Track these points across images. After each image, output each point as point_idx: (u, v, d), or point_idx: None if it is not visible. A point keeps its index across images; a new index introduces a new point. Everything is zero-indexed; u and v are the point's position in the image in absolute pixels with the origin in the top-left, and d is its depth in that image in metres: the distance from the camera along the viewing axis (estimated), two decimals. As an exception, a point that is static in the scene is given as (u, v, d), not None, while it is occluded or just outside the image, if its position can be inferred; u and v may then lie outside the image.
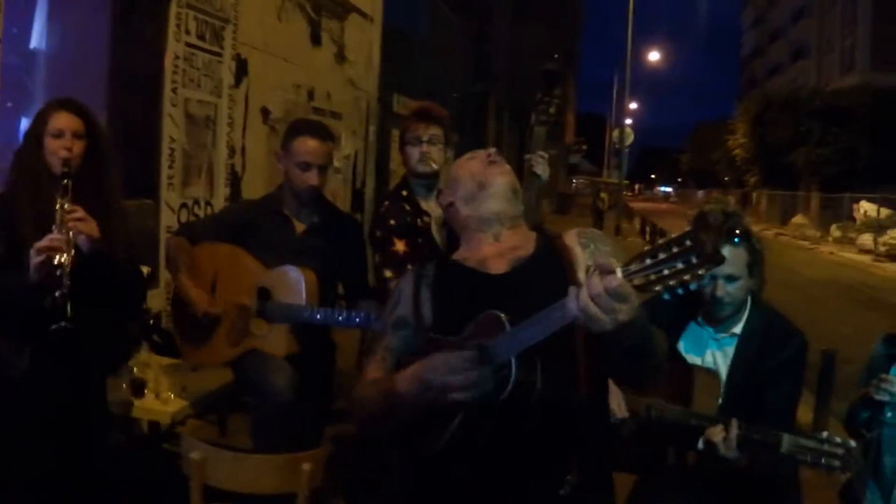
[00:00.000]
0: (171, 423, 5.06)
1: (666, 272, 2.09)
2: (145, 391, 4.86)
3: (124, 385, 4.83)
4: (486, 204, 2.97)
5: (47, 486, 4.07)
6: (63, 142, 4.02)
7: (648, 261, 2.13)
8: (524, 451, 2.67)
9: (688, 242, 2.05)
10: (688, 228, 2.12)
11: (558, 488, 2.70)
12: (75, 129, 4.07)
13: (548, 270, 2.84)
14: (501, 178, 2.99)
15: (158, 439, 5.40)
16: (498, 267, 2.90)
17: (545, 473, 2.70)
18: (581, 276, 2.77)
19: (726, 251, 3.77)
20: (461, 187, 3.03)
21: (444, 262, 3.10)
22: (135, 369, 4.97)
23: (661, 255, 2.10)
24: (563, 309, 2.33)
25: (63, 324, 3.78)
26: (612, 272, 2.20)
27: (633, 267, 2.16)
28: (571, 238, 2.96)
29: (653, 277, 2.12)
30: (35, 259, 3.75)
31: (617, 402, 3.69)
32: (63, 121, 4.07)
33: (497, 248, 2.95)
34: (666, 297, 4.11)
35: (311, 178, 4.76)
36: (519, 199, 3.07)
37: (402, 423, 2.80)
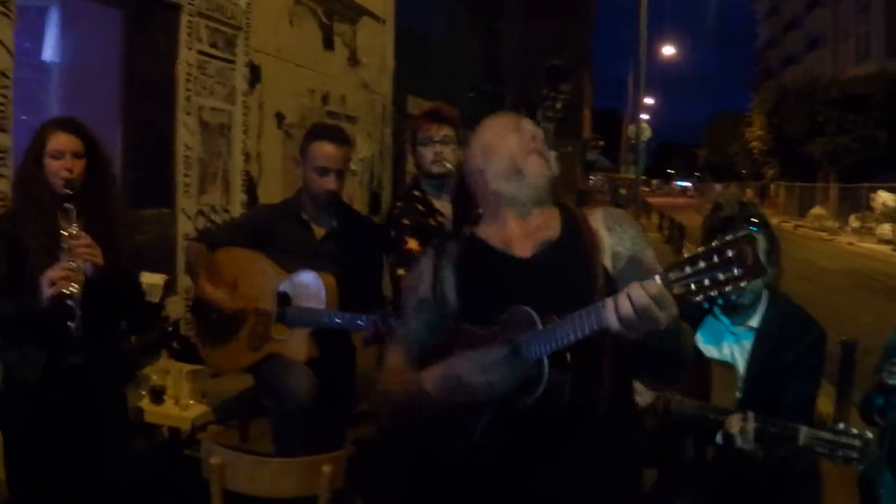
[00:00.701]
0: (192, 429, 5.09)
1: (707, 282, 2.08)
2: (165, 398, 4.88)
3: (143, 392, 4.86)
4: (519, 187, 2.85)
5: (62, 493, 4.11)
6: (63, 162, 4.02)
7: (688, 269, 2.11)
8: (550, 449, 2.65)
9: (730, 253, 2.04)
10: (730, 238, 2.09)
11: (582, 486, 2.68)
12: (74, 150, 4.07)
13: (573, 254, 2.77)
14: (541, 171, 2.87)
15: (180, 445, 5.43)
16: (524, 249, 2.82)
17: (570, 471, 2.67)
18: (607, 262, 2.75)
19: None
20: (495, 161, 2.88)
21: (467, 240, 2.97)
22: (154, 376, 4.99)
23: (702, 264, 2.09)
24: (598, 315, 2.32)
25: (79, 360, 3.91)
26: (652, 280, 2.19)
27: (672, 275, 2.15)
28: (597, 220, 2.87)
29: (693, 287, 2.11)
30: (47, 291, 3.79)
31: (636, 392, 3.69)
32: (62, 141, 4.06)
33: (523, 227, 2.85)
34: None
35: (329, 182, 4.77)
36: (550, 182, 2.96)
37: (428, 422, 2.78)
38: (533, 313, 2.53)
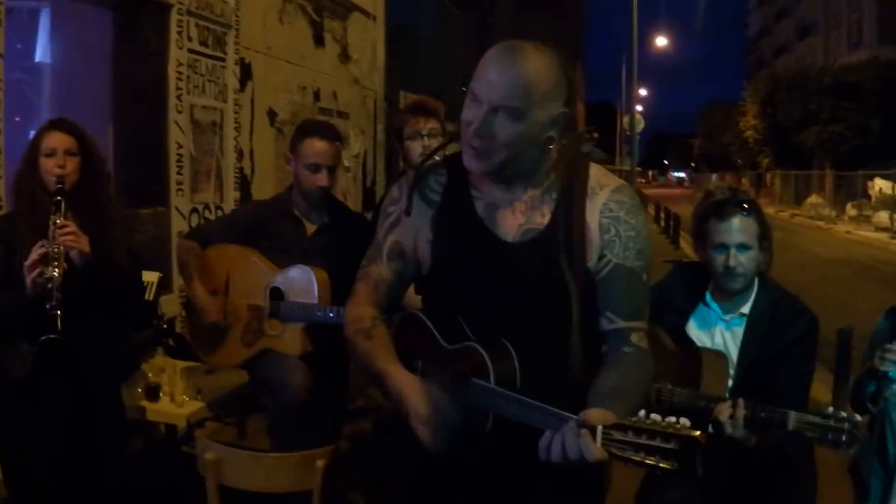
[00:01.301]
0: (189, 426, 5.10)
1: (642, 455, 2.04)
2: (160, 395, 4.90)
3: (139, 390, 4.88)
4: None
5: (59, 491, 4.14)
6: (56, 160, 4.17)
7: (631, 436, 2.07)
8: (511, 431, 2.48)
9: (672, 445, 2.00)
10: (680, 430, 2.02)
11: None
12: (67, 147, 4.20)
13: (556, 252, 2.57)
14: (472, 166, 2.59)
15: (176, 442, 5.44)
16: (508, 229, 2.64)
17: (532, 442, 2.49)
18: (591, 263, 2.60)
19: (737, 221, 3.83)
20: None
21: (453, 187, 2.75)
22: (149, 374, 5.01)
23: (644, 439, 2.04)
24: (542, 420, 2.29)
25: (52, 336, 3.91)
26: (592, 431, 2.14)
27: (615, 434, 2.10)
28: (594, 212, 2.63)
29: (629, 454, 2.07)
30: (28, 275, 3.87)
31: None
32: (55, 140, 4.21)
33: (511, 195, 2.67)
34: (677, 277, 4.14)
35: (321, 179, 4.79)
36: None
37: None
38: (487, 361, 2.46)
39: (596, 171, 2.74)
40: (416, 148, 4.77)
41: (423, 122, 4.81)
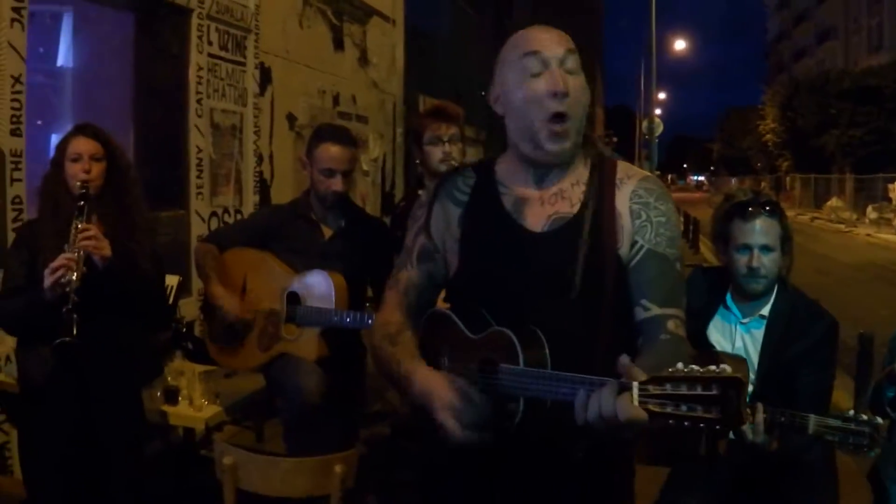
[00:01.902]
0: (207, 430, 5.11)
1: (684, 410, 1.94)
2: (179, 398, 4.90)
3: (158, 393, 4.89)
4: (536, 154, 2.61)
5: (76, 493, 4.15)
6: (81, 165, 4.24)
7: (669, 388, 1.97)
8: (539, 430, 2.47)
9: (714, 391, 1.90)
10: (719, 373, 1.91)
11: (573, 450, 2.55)
12: (93, 153, 4.26)
13: (586, 239, 2.56)
14: (560, 149, 2.59)
15: (194, 446, 5.45)
16: (536, 220, 2.63)
17: (560, 442, 2.52)
18: (623, 250, 2.58)
19: (760, 222, 3.83)
20: (512, 118, 2.65)
21: (481, 187, 2.76)
22: (168, 377, 5.02)
23: (684, 389, 1.94)
24: (572, 391, 2.20)
25: (67, 339, 3.91)
26: (629, 390, 2.03)
27: (651, 388, 1.99)
28: (623, 200, 2.63)
29: (669, 410, 1.97)
30: (48, 278, 3.90)
31: None
32: (81, 145, 4.28)
33: (541, 190, 2.67)
34: (697, 281, 4.13)
35: (336, 184, 4.79)
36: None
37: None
38: (516, 344, 2.41)
39: (623, 164, 2.75)
40: (436, 153, 4.77)
41: (444, 127, 4.80)
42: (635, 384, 2.02)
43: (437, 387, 2.49)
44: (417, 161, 4.93)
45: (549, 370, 2.36)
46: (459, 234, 2.74)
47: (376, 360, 2.77)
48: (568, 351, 2.41)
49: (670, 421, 1.95)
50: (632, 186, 2.66)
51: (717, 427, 1.90)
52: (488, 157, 2.75)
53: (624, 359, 2.10)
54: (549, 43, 2.58)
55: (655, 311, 2.52)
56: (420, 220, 2.83)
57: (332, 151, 4.78)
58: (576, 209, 2.63)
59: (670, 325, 2.51)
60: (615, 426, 2.07)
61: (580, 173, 2.70)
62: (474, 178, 2.80)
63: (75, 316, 3.91)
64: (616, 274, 2.56)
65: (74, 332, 3.91)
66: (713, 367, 1.92)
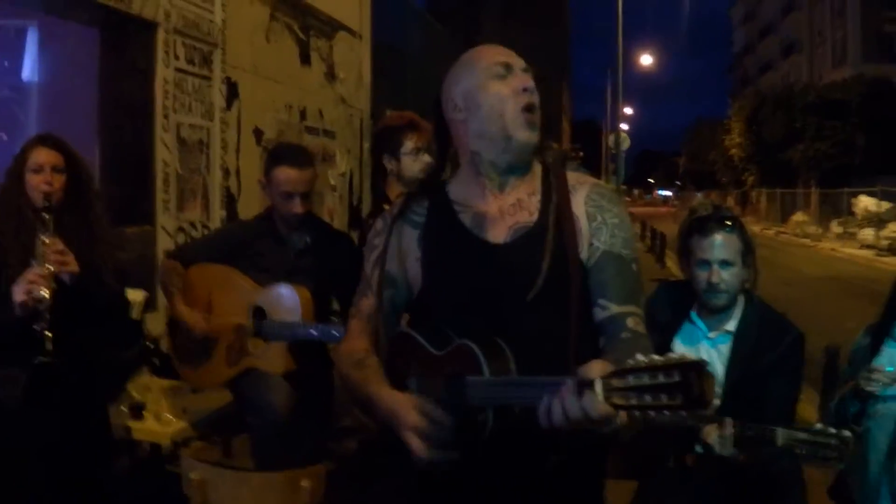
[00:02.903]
0: (174, 445, 5.07)
1: (648, 399, 1.94)
2: (145, 413, 4.87)
3: (124, 408, 4.85)
4: (502, 154, 2.66)
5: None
6: (43, 176, 4.08)
7: (632, 380, 1.97)
8: (506, 445, 2.48)
9: (676, 377, 1.90)
10: (680, 359, 1.93)
11: (542, 468, 2.58)
12: (55, 164, 4.12)
13: (548, 246, 2.60)
14: (531, 139, 2.66)
15: (161, 461, 5.41)
16: (497, 232, 2.66)
17: (528, 459, 2.57)
18: (583, 254, 2.63)
19: (719, 237, 3.85)
20: (479, 119, 2.67)
21: (436, 208, 2.79)
22: (135, 393, 4.99)
23: (646, 379, 1.94)
24: (540, 394, 2.19)
25: (44, 359, 3.83)
26: (591, 386, 2.03)
27: (614, 382, 1.99)
28: (579, 204, 2.69)
29: (634, 401, 1.96)
30: (19, 294, 3.81)
31: None
32: (42, 156, 4.13)
33: (499, 202, 2.70)
34: (662, 295, 4.14)
35: (295, 206, 4.75)
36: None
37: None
38: (479, 356, 2.40)
39: (573, 173, 2.82)
40: (414, 166, 4.68)
41: (420, 138, 4.73)
42: (598, 380, 2.02)
43: (401, 408, 2.47)
44: (391, 171, 4.84)
45: (512, 377, 2.38)
46: (420, 255, 2.76)
47: (345, 387, 2.77)
48: (538, 358, 2.41)
49: (636, 413, 1.96)
50: (585, 191, 2.73)
51: (683, 412, 1.91)
52: (435, 180, 2.83)
53: (587, 365, 2.10)
54: (512, 55, 2.71)
55: (614, 309, 2.58)
56: (378, 248, 2.84)
57: (288, 174, 4.73)
58: (535, 217, 2.68)
59: (630, 322, 2.57)
60: (585, 427, 2.08)
61: (535, 183, 2.75)
62: (427, 199, 2.83)
63: (49, 334, 3.83)
64: (580, 277, 2.60)
65: (51, 350, 3.82)
66: (672, 355, 1.94)
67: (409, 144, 4.75)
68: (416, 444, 2.40)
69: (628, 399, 1.96)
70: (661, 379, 1.91)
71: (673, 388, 1.90)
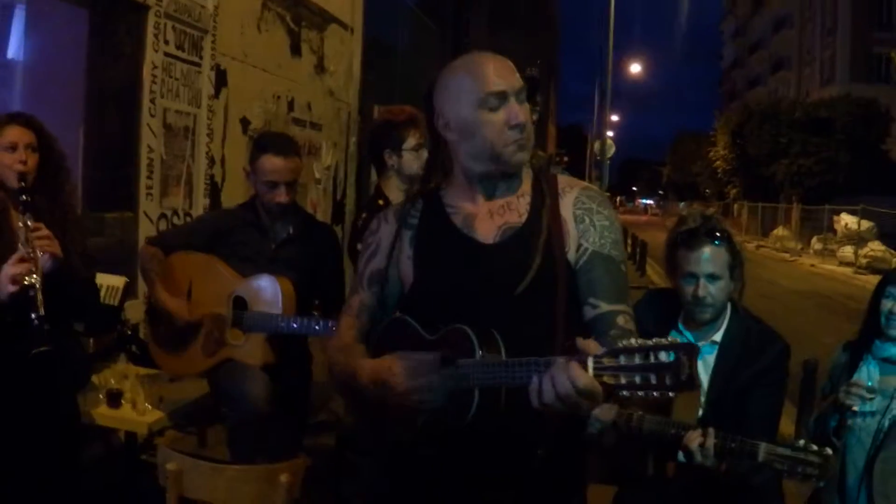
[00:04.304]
0: (149, 434, 5.02)
1: (637, 380, 2.00)
2: (122, 402, 4.81)
3: (101, 396, 4.80)
4: (493, 171, 2.72)
5: (19, 499, 4.03)
6: (17, 155, 3.98)
7: (623, 360, 2.03)
8: (493, 438, 2.55)
9: (665, 358, 1.97)
10: (671, 342, 2.01)
11: (529, 462, 2.61)
12: (28, 142, 4.03)
13: (536, 247, 2.66)
14: (521, 160, 2.71)
15: (136, 450, 5.36)
16: (486, 233, 2.73)
17: (515, 451, 2.61)
18: (571, 255, 2.68)
19: (707, 251, 3.80)
20: (470, 142, 2.70)
21: (429, 206, 2.87)
22: (112, 380, 4.93)
23: (637, 360, 2.01)
24: (528, 374, 2.25)
25: (44, 347, 3.76)
26: (584, 365, 2.10)
27: (606, 361, 2.07)
28: (567, 207, 2.75)
29: (623, 381, 2.03)
30: (8, 286, 3.72)
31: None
32: (15, 134, 4.03)
33: (489, 205, 2.76)
34: (648, 304, 4.12)
35: (279, 195, 4.73)
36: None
37: (374, 406, 2.69)
38: (472, 338, 2.47)
39: (563, 177, 2.90)
40: (415, 162, 4.60)
41: (420, 133, 4.64)
42: (590, 357, 2.08)
43: (381, 361, 2.59)
44: (391, 167, 4.78)
45: (503, 359, 2.42)
46: (412, 253, 2.81)
47: (334, 376, 2.81)
48: (524, 356, 2.41)
49: (625, 392, 2.03)
50: (574, 194, 2.79)
51: (672, 394, 1.97)
52: (431, 186, 2.90)
53: (580, 340, 2.16)
54: (508, 76, 2.68)
55: (604, 307, 2.63)
56: (371, 246, 2.91)
57: (274, 163, 4.72)
58: (524, 219, 2.74)
59: (620, 320, 2.61)
60: (572, 403, 2.12)
61: (525, 188, 2.80)
62: (422, 203, 2.89)
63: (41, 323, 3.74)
64: (566, 277, 2.64)
65: (47, 338, 3.76)
66: (664, 340, 2.00)
67: (411, 140, 4.70)
68: (414, 396, 2.51)
69: (618, 378, 2.03)
70: (652, 360, 1.98)
71: (663, 369, 1.96)
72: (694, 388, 1.97)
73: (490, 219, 2.75)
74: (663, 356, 1.97)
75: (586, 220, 2.73)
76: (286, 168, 4.72)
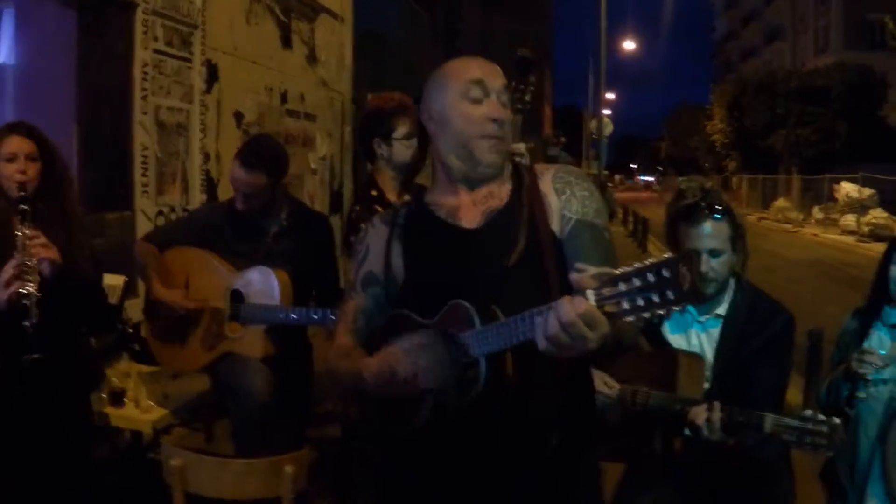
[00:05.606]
0: (155, 432, 5.02)
1: (640, 302, 2.00)
2: (125, 400, 4.81)
3: (104, 395, 4.79)
4: (471, 168, 2.75)
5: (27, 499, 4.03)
6: (17, 165, 3.97)
7: (623, 286, 2.03)
8: (501, 425, 2.58)
9: (665, 273, 1.96)
10: (668, 256, 2.00)
11: (541, 451, 2.62)
12: (28, 152, 4.02)
13: (520, 223, 2.70)
14: (495, 160, 2.75)
15: (142, 449, 5.36)
16: (471, 219, 2.77)
17: (525, 440, 2.61)
18: (555, 226, 2.71)
19: (708, 225, 3.75)
20: (447, 137, 2.77)
21: (415, 210, 2.91)
22: (114, 379, 4.92)
23: (637, 282, 2.01)
24: (531, 323, 2.26)
25: (36, 355, 3.78)
26: (584, 296, 2.11)
27: (605, 291, 2.07)
28: (546, 183, 2.79)
29: (626, 306, 2.03)
30: (3, 293, 3.72)
31: (603, 381, 3.65)
32: (15, 144, 4.02)
33: (471, 196, 2.80)
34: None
35: (237, 200, 4.84)
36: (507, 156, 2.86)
37: (376, 403, 2.74)
38: (471, 310, 2.49)
39: (539, 164, 2.96)
40: (406, 151, 4.52)
41: (412, 122, 4.57)
42: (590, 291, 2.10)
43: (383, 352, 2.61)
44: (381, 157, 4.69)
45: (504, 319, 2.41)
46: (401, 250, 2.85)
47: (336, 381, 2.87)
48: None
49: (630, 318, 2.04)
50: (552, 172, 2.84)
51: (677, 308, 1.98)
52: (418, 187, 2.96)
53: (575, 277, 2.28)
54: (492, 74, 2.77)
55: (592, 271, 2.56)
56: (361, 252, 2.95)
57: (235, 172, 4.76)
58: (505, 200, 2.79)
59: None
60: (577, 333, 2.13)
61: (504, 176, 2.84)
62: (407, 206, 2.98)
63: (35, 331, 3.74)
64: (554, 248, 2.67)
65: (39, 346, 3.78)
66: (661, 256, 2.02)
67: (401, 129, 4.59)
68: (420, 379, 2.50)
69: (620, 305, 2.04)
70: (651, 279, 1.98)
71: (665, 285, 1.96)
72: (697, 299, 1.97)
73: (473, 207, 2.79)
74: (664, 272, 1.97)
75: (567, 192, 2.77)
76: (245, 181, 4.71)
